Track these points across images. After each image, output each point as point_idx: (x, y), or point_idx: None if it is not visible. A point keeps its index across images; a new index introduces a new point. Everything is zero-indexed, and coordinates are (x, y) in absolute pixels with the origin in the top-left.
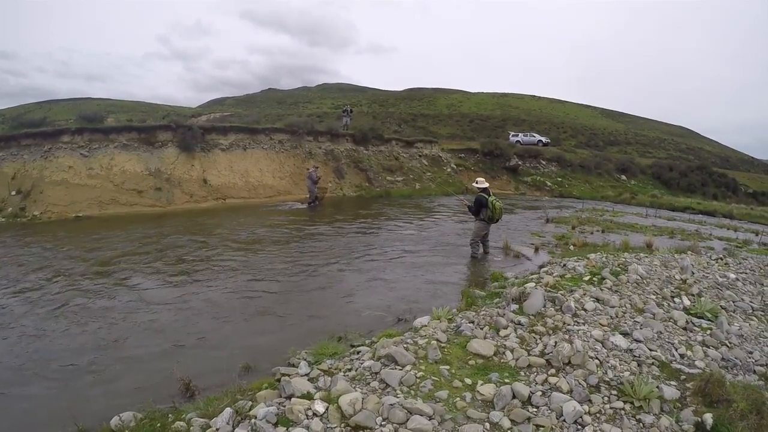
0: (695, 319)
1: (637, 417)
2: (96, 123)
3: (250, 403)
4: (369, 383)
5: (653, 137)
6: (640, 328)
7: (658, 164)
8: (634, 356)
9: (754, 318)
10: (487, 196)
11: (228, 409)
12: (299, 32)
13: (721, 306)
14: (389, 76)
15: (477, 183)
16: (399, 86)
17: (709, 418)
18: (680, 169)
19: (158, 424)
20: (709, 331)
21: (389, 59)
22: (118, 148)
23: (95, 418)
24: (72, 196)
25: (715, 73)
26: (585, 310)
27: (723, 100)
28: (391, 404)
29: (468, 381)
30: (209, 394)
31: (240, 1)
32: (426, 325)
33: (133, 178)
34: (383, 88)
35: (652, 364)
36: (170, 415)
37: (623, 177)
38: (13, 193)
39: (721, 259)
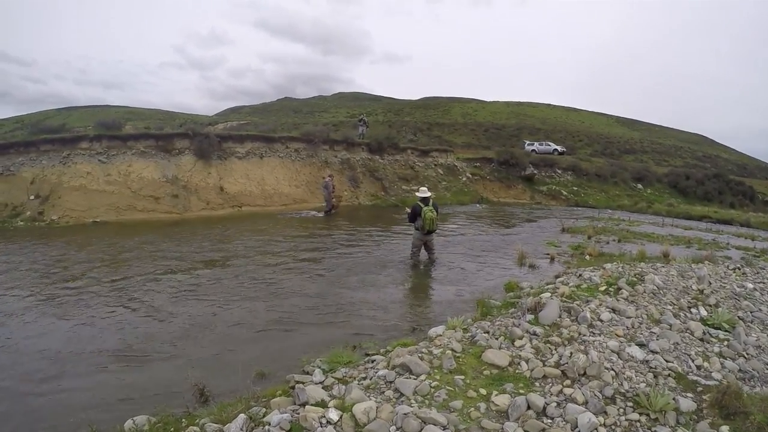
0: (712, 330)
1: (653, 429)
2: (114, 130)
3: (264, 409)
4: (383, 392)
5: (669, 145)
6: (657, 339)
7: (675, 172)
8: (650, 367)
9: None
10: (422, 206)
11: (241, 416)
12: (314, 41)
13: (738, 316)
14: (404, 85)
15: (419, 192)
16: (414, 95)
17: (725, 430)
18: (697, 178)
19: (171, 429)
20: (726, 342)
21: (403, 68)
22: (136, 155)
23: (109, 421)
24: (90, 202)
25: (730, 77)
26: (601, 320)
27: (739, 105)
28: (405, 413)
29: (482, 391)
30: (223, 400)
31: (254, 11)
32: (441, 335)
33: (151, 184)
34: (398, 97)
35: (669, 375)
36: (184, 420)
37: (639, 186)
38: (32, 197)
39: (739, 268)
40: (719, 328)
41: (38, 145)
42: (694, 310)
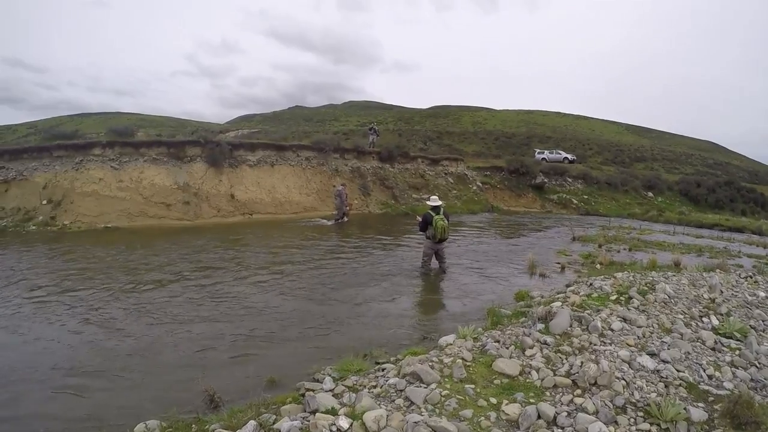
0: (724, 339)
1: None
2: (126, 137)
3: (274, 416)
4: (394, 400)
5: (680, 152)
6: (668, 349)
7: (686, 180)
8: (661, 377)
9: None
10: (433, 214)
11: (252, 422)
12: (324, 50)
13: (750, 325)
14: (414, 94)
15: (430, 200)
16: (424, 103)
17: None
18: (708, 185)
19: None
20: (737, 351)
21: (413, 76)
22: (148, 161)
23: (119, 425)
24: (102, 208)
25: (741, 82)
26: (612, 329)
27: (749, 110)
28: (415, 422)
29: (493, 400)
30: (233, 406)
31: (264, 20)
32: (451, 344)
33: (162, 191)
34: (408, 106)
35: (680, 385)
36: (194, 426)
37: (650, 194)
38: (44, 202)
39: (751, 277)
40: (731, 337)
41: (51, 150)
42: (705, 319)
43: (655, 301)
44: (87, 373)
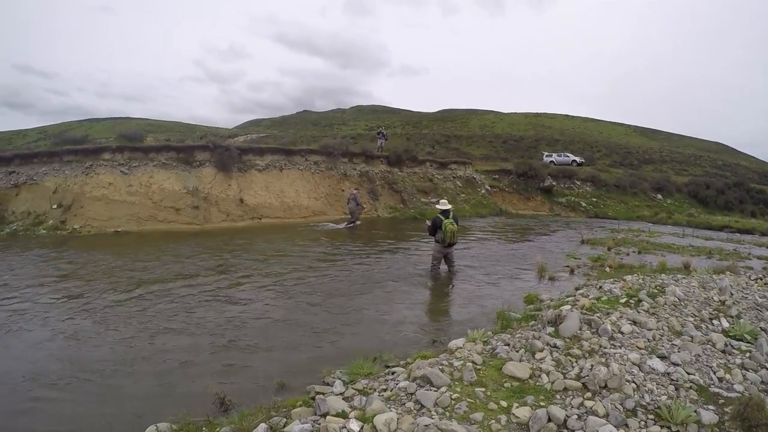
0: (734, 342)
1: None
2: (136, 142)
3: (285, 419)
4: (404, 404)
5: (688, 154)
6: (678, 351)
7: (695, 182)
8: (672, 380)
9: None
10: (443, 218)
11: (262, 425)
12: (332, 55)
13: (760, 327)
14: (421, 98)
15: (439, 204)
16: (431, 107)
17: None
18: (717, 187)
19: None
20: (748, 354)
21: (421, 80)
22: (157, 166)
23: (130, 427)
24: (111, 212)
25: (741, 82)
26: (621, 332)
27: (751, 111)
28: (426, 425)
29: (503, 403)
30: (244, 410)
31: (272, 25)
32: (461, 347)
33: (171, 195)
34: (416, 110)
35: (690, 387)
36: (204, 429)
37: (659, 196)
38: (54, 206)
39: (761, 278)
40: (741, 340)
41: (61, 155)
42: (715, 322)
43: (665, 304)
44: (78, 381)
